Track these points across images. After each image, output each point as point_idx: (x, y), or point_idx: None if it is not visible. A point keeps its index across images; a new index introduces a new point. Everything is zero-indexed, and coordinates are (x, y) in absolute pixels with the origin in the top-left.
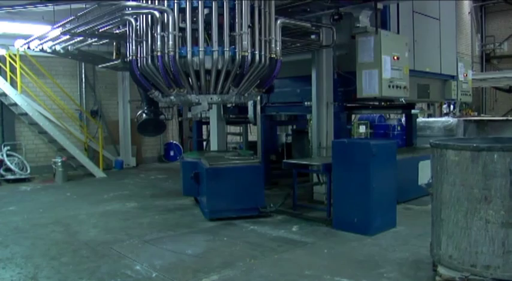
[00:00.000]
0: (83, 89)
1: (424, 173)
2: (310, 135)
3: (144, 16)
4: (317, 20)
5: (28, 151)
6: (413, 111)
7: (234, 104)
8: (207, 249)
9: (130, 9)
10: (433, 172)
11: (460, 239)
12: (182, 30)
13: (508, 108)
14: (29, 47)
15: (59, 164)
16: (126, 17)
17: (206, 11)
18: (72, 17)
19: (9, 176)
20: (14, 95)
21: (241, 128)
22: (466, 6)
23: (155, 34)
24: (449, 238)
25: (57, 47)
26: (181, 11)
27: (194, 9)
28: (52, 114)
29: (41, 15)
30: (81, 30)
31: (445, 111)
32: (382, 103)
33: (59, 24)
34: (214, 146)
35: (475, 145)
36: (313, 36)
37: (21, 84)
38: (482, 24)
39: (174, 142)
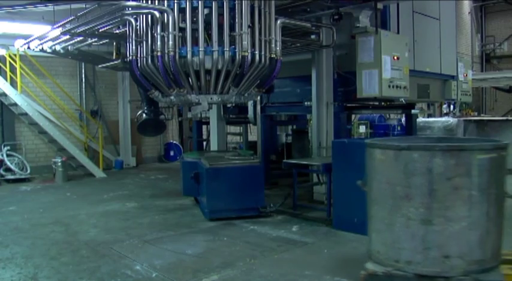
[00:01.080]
0: (83, 89)
1: None
2: (310, 135)
3: (144, 16)
4: (317, 20)
5: (28, 151)
6: (413, 111)
7: (234, 104)
8: (207, 249)
9: (130, 9)
10: (366, 170)
11: (386, 235)
12: (182, 30)
13: (508, 108)
14: (29, 47)
15: (59, 164)
16: (126, 17)
17: (206, 11)
18: (72, 17)
19: (9, 176)
20: (14, 95)
21: (241, 128)
22: (466, 6)
23: (155, 34)
24: (378, 234)
25: (57, 47)
26: (181, 11)
27: (194, 9)
28: (52, 114)
29: (41, 15)
30: (81, 30)
31: (445, 111)
32: (382, 103)
33: (59, 24)
34: (214, 146)
35: (396, 144)
36: (313, 36)
37: (21, 84)
38: (482, 24)
39: (174, 141)
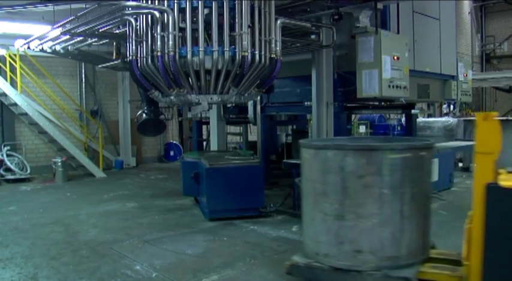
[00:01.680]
0: (83, 89)
1: None
2: (310, 135)
3: (144, 16)
4: (317, 20)
5: (28, 151)
6: (413, 111)
7: (234, 104)
8: (207, 249)
9: (130, 9)
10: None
11: (310, 229)
12: (182, 30)
13: (508, 108)
14: (29, 47)
15: (59, 164)
16: (126, 17)
17: (206, 11)
18: (72, 17)
19: (9, 176)
20: (14, 95)
21: (241, 128)
22: (466, 6)
23: (155, 34)
24: (305, 228)
25: (57, 47)
26: (181, 11)
27: (194, 9)
28: (52, 114)
29: (41, 15)
30: (81, 30)
31: (445, 111)
32: (382, 103)
33: (59, 24)
34: (214, 146)
35: (315, 143)
36: (313, 36)
37: (21, 84)
38: (482, 24)
39: (174, 141)
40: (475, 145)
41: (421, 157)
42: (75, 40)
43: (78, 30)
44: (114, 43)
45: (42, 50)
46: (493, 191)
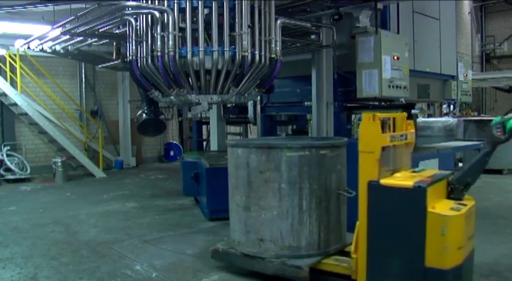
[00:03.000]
0: (83, 89)
1: None
2: (310, 135)
3: (144, 16)
4: (317, 20)
5: (28, 151)
6: (413, 111)
7: (234, 104)
8: (207, 249)
9: (130, 9)
10: None
11: (231, 219)
12: (182, 30)
13: (508, 108)
14: (29, 47)
15: (59, 164)
16: (126, 17)
17: (206, 11)
18: (72, 17)
19: (9, 176)
20: (14, 95)
21: (241, 128)
22: (466, 6)
23: (155, 34)
24: (230, 218)
25: (57, 47)
26: (181, 11)
27: (194, 9)
28: (52, 114)
29: (41, 15)
30: (81, 30)
31: (445, 111)
32: (382, 103)
33: (59, 24)
34: (214, 146)
35: (230, 142)
36: (313, 36)
37: (21, 84)
38: (482, 24)
39: (174, 142)
40: (359, 144)
41: (322, 155)
42: (75, 40)
43: (78, 30)
44: (114, 43)
45: (42, 50)
46: (374, 188)
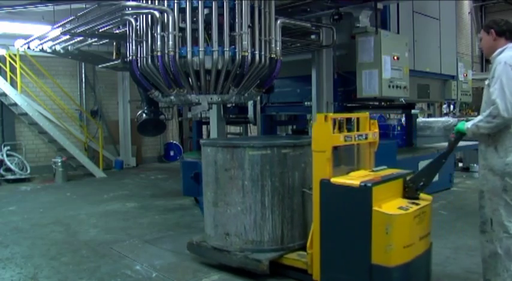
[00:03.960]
0: (83, 89)
1: None
2: (309, 135)
3: (144, 16)
4: (317, 20)
5: (28, 151)
6: (413, 111)
7: (234, 104)
8: None
9: (130, 9)
10: None
11: (204, 214)
12: (182, 30)
13: None
14: (29, 47)
15: (59, 164)
16: (126, 17)
17: (206, 11)
18: (72, 17)
19: (9, 176)
20: (14, 95)
21: (241, 128)
22: (466, 6)
23: (155, 34)
24: (204, 213)
25: (57, 47)
26: (181, 11)
27: (194, 9)
28: (52, 114)
29: (41, 15)
30: (81, 30)
31: (445, 111)
32: (382, 103)
33: (59, 24)
34: None
35: (201, 141)
36: (313, 36)
37: (21, 84)
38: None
39: (174, 142)
40: (312, 144)
41: (283, 154)
42: (75, 40)
43: (78, 30)
44: (114, 43)
45: (42, 50)
46: (325, 186)
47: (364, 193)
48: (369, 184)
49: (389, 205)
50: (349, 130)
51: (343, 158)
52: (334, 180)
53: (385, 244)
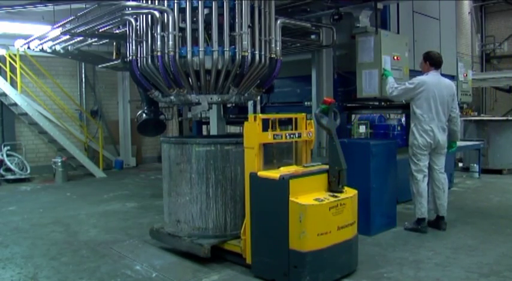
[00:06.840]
0: (83, 89)
1: None
2: None
3: (144, 16)
4: (317, 20)
5: (28, 151)
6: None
7: (234, 104)
8: None
9: (130, 9)
10: None
11: (163, 203)
12: (182, 30)
13: (508, 108)
14: (29, 47)
15: (59, 164)
16: (126, 17)
17: (206, 11)
18: (72, 17)
19: (9, 176)
20: (14, 95)
21: (241, 128)
22: (466, 6)
23: (155, 34)
24: (163, 202)
25: (57, 47)
26: (182, 11)
27: (194, 9)
28: (52, 114)
29: (41, 15)
30: (81, 30)
31: None
32: (382, 103)
33: (59, 24)
34: None
35: (161, 138)
36: (313, 36)
37: (21, 84)
38: (482, 24)
39: None
40: (244, 141)
41: (226, 150)
42: (75, 40)
43: (78, 30)
44: (114, 43)
45: (42, 50)
46: (253, 178)
47: (282, 185)
48: (287, 177)
49: (307, 196)
50: (349, 130)
51: (283, 154)
52: (260, 173)
53: (299, 231)
